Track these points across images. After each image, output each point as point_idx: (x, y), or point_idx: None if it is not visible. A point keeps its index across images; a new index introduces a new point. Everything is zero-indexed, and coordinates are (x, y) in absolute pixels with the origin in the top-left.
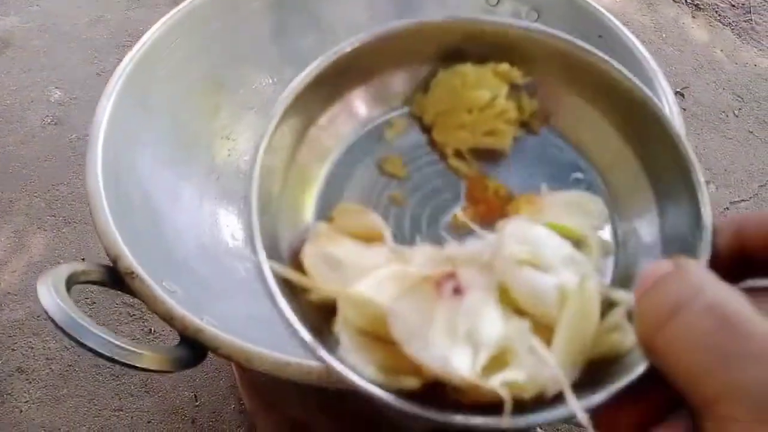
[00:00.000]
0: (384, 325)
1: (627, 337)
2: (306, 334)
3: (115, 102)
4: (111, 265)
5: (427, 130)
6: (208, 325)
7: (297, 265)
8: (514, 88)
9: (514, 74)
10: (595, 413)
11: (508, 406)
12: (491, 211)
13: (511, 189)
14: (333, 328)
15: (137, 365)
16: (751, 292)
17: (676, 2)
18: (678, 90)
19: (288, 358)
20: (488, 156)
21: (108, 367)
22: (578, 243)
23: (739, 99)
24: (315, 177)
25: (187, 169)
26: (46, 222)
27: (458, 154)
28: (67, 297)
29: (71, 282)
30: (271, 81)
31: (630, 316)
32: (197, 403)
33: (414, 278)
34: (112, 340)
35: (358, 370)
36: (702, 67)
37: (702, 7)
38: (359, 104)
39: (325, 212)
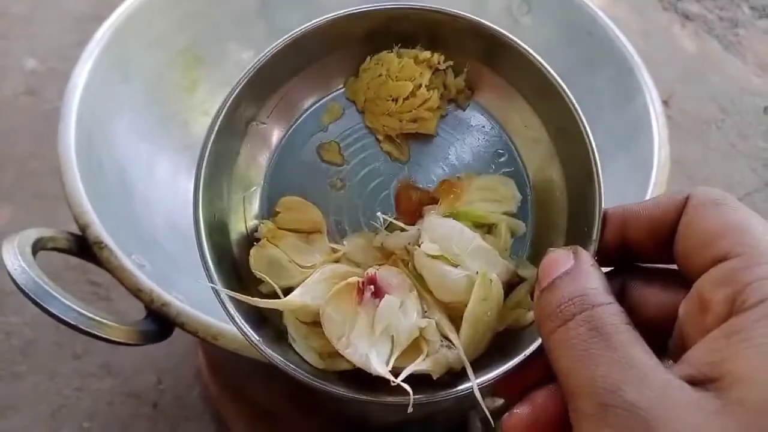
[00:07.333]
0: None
1: (528, 313)
2: (252, 333)
3: (91, 69)
4: (80, 234)
5: (361, 112)
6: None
7: (246, 261)
8: (438, 71)
9: (434, 60)
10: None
11: (411, 397)
12: (417, 216)
13: (437, 178)
14: (281, 317)
15: (101, 335)
16: (645, 272)
17: (666, 10)
18: (663, 99)
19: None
20: (418, 138)
21: (69, 346)
22: (491, 228)
23: (723, 111)
24: (259, 172)
25: (162, 143)
26: (15, 196)
27: (389, 138)
28: (33, 261)
29: (38, 247)
30: (254, 56)
31: (532, 293)
32: (160, 387)
33: (340, 284)
34: (76, 307)
35: (301, 355)
36: (688, 76)
37: (691, 17)
38: (297, 93)
39: (270, 207)
